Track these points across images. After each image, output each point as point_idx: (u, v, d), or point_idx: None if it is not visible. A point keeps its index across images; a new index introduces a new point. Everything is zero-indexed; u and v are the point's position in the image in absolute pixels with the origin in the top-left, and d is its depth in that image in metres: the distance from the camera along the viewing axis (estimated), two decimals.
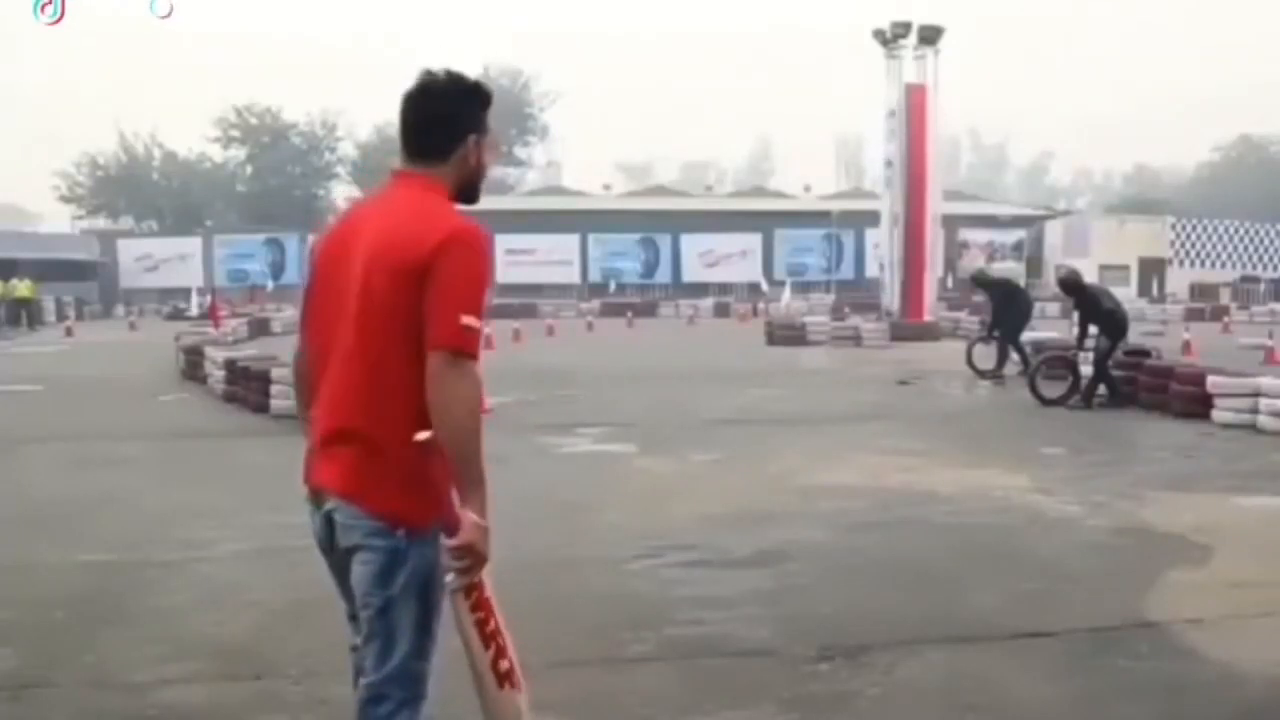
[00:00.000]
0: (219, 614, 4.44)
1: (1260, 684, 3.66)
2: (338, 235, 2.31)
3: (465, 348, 2.08)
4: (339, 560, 2.24)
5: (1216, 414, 9.51)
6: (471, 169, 2.29)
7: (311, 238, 38.26)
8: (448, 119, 2.26)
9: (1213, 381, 9.71)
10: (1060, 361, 11.73)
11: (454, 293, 2.10)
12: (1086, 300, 11.33)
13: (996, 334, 14.07)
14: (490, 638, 2.23)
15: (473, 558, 2.12)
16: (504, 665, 2.26)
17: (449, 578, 2.15)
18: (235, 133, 53.83)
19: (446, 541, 2.11)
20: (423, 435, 2.09)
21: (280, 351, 13.29)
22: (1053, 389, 11.31)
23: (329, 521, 2.22)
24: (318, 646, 4.03)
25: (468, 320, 2.09)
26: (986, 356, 13.90)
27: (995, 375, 13.48)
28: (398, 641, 2.16)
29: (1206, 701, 3.55)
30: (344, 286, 2.19)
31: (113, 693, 3.63)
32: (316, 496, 2.25)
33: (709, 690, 3.64)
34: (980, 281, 15.74)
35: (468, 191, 2.30)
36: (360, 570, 2.17)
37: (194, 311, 30.17)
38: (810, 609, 4.50)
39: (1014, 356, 13.88)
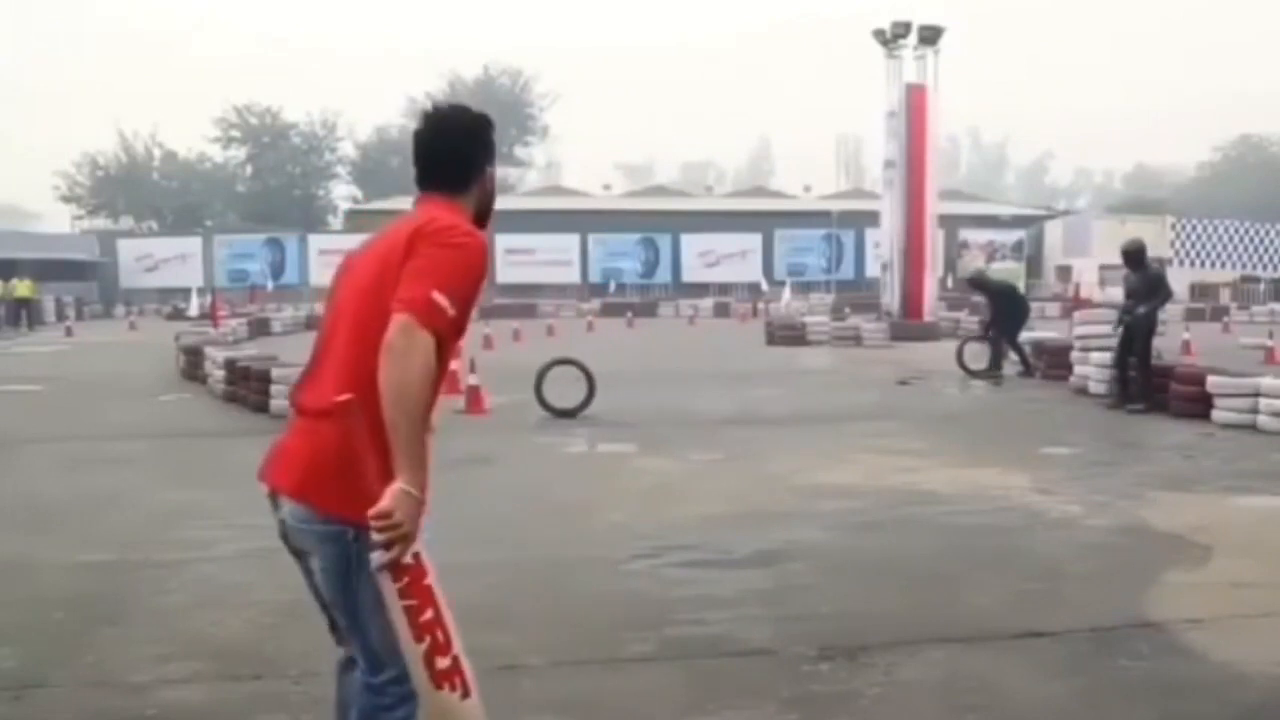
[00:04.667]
0: (219, 614, 4.44)
1: (1260, 684, 3.66)
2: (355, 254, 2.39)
3: (429, 320, 2.07)
4: None
5: (1216, 414, 9.50)
6: (488, 196, 2.42)
7: (312, 239, 38.27)
8: (465, 154, 2.38)
9: (1213, 381, 9.70)
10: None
11: (436, 270, 2.12)
12: (1150, 277, 10.60)
13: (992, 334, 14.07)
14: (424, 629, 2.09)
15: (393, 530, 2.01)
16: (442, 663, 2.10)
17: (374, 555, 2.05)
18: (235, 133, 53.90)
19: (369, 512, 2.02)
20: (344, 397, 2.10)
21: (280, 351, 13.31)
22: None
23: None
24: (318, 646, 4.02)
25: (440, 297, 2.08)
26: (978, 356, 13.85)
27: (992, 375, 13.47)
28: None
29: (1206, 701, 3.54)
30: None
31: (113, 693, 3.63)
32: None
33: (709, 690, 3.64)
34: (977, 283, 15.68)
35: (483, 217, 2.42)
36: None
37: (194, 311, 30.13)
38: (810, 609, 4.50)
39: (1013, 357, 13.88)
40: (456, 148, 2.37)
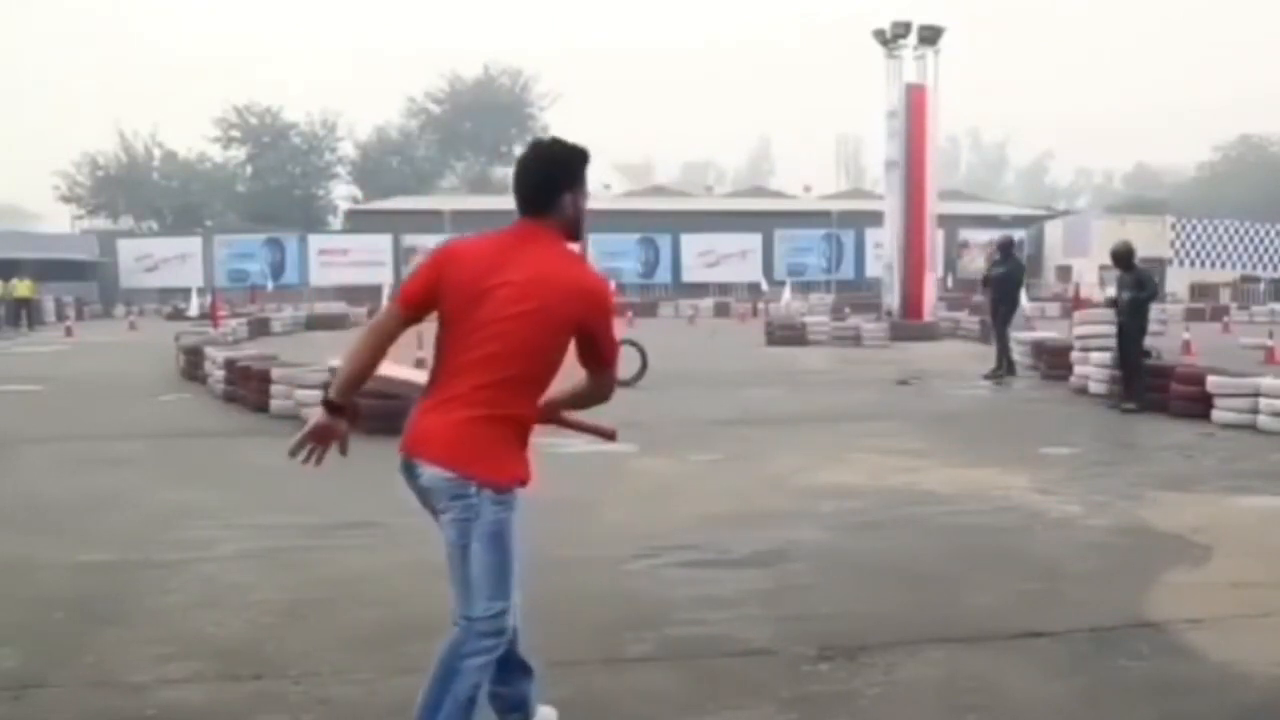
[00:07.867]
0: (219, 614, 4.44)
1: (1260, 684, 3.66)
2: (477, 254, 2.78)
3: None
4: None
5: (1216, 414, 9.51)
6: (570, 215, 2.81)
7: (312, 239, 38.13)
8: (549, 180, 2.79)
9: (1213, 381, 9.71)
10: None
11: None
12: (1137, 277, 10.71)
13: (995, 332, 14.02)
14: None
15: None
16: None
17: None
18: (235, 133, 53.93)
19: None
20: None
21: (280, 351, 13.31)
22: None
23: None
24: (318, 646, 4.04)
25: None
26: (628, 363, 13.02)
27: (996, 375, 13.45)
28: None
29: (1206, 701, 3.55)
30: (481, 300, 2.69)
31: (113, 693, 3.63)
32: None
33: (709, 690, 3.64)
34: (1005, 248, 14.96)
35: (572, 231, 2.84)
36: None
37: (194, 311, 30.12)
38: (810, 609, 4.50)
39: (1014, 356, 13.80)
40: (544, 175, 2.79)
